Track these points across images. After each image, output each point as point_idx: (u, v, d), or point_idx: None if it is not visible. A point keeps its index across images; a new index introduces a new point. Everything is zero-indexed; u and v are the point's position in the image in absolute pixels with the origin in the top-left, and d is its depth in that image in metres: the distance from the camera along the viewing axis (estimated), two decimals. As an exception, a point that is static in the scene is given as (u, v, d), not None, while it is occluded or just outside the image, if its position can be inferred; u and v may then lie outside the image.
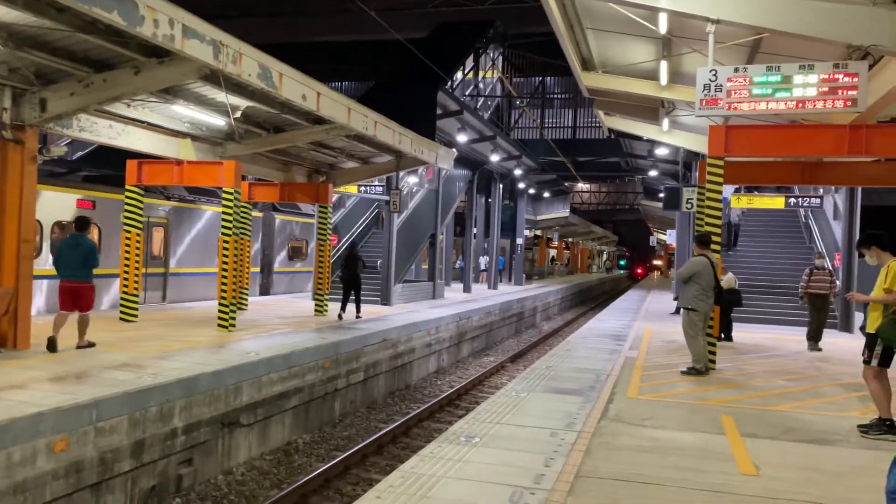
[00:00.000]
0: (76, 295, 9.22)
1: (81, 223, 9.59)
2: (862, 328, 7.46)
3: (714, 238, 9.72)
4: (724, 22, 8.72)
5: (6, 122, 8.59)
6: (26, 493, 5.80)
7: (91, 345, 9.40)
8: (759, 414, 7.37)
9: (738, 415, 7.24)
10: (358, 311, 15.11)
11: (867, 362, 6.58)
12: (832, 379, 9.71)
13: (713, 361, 9.92)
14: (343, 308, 14.89)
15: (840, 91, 8.37)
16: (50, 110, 8.63)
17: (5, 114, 8.56)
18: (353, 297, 15.01)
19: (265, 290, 20.85)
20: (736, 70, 8.73)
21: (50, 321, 9.36)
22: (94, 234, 13.61)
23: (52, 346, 8.86)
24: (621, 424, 6.71)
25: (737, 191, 20.01)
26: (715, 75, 8.69)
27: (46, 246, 13.44)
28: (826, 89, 8.40)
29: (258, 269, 20.49)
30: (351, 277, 14.84)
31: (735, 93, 8.66)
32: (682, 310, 9.84)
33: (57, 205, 13.69)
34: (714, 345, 10.04)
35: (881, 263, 6.66)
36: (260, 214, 20.19)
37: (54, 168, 16.04)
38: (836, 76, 8.37)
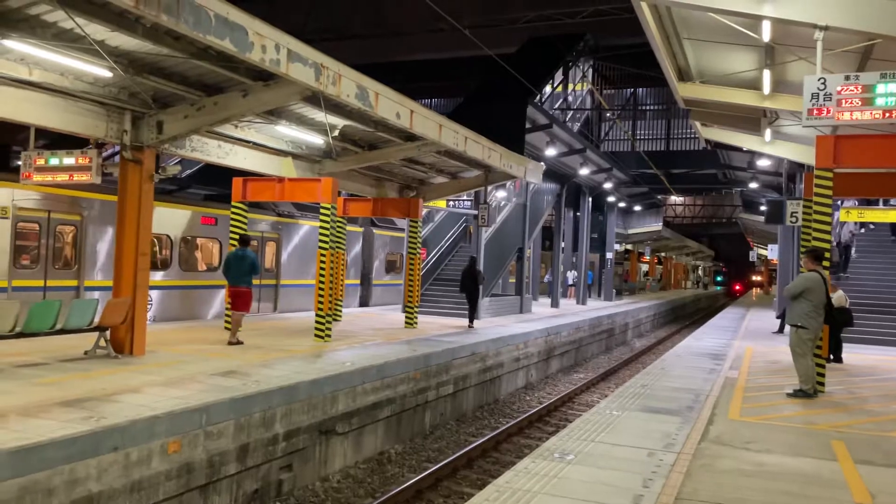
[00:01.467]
0: (237, 297, 10.96)
1: (245, 239, 11.54)
2: None
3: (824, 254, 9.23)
4: (832, 28, 8.32)
5: (126, 143, 9.27)
6: (141, 491, 6.18)
7: (239, 342, 10.92)
8: (874, 440, 6.92)
9: (851, 440, 6.82)
10: (471, 321, 16.19)
11: None
12: (958, 406, 8.97)
13: (822, 384, 9.39)
14: (471, 319, 16.15)
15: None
16: (166, 132, 9.25)
17: (126, 136, 9.24)
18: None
19: (364, 302, 21.42)
20: (847, 78, 8.28)
21: (162, 328, 9.96)
22: (216, 248, 14.63)
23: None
24: (723, 447, 6.45)
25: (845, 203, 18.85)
26: (824, 84, 8.28)
27: (176, 255, 14.58)
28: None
29: (358, 282, 21.08)
30: (472, 290, 15.89)
31: (846, 102, 8.22)
32: (789, 328, 9.36)
33: (184, 221, 14.92)
34: (823, 366, 9.50)
35: None
36: (360, 230, 20.80)
37: (165, 185, 17.15)
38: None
